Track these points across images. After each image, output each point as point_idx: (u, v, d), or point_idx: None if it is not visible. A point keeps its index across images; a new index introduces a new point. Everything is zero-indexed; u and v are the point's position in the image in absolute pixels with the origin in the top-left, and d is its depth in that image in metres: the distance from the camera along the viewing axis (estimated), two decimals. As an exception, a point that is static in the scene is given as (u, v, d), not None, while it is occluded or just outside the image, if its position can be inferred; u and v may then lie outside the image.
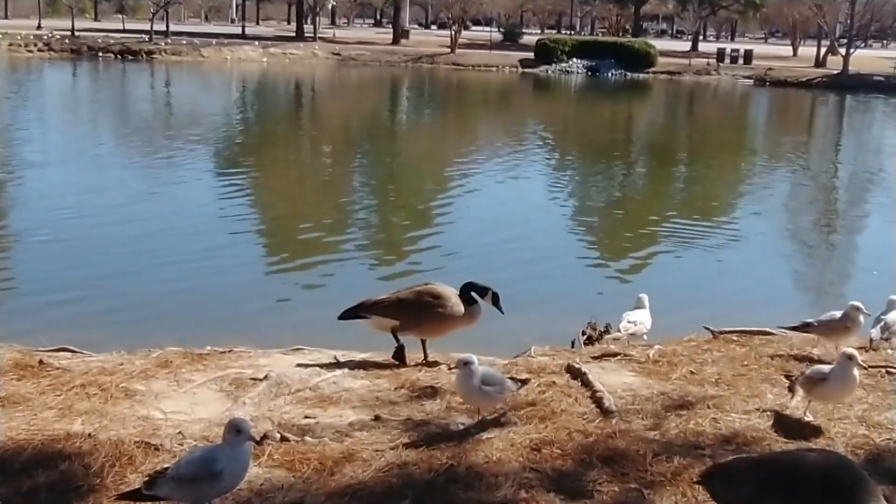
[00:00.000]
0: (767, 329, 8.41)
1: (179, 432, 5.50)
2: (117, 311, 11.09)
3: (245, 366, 7.09)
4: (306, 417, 5.91)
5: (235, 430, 4.26)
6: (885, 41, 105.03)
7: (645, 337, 8.22)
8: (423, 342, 7.40)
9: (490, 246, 15.51)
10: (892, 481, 4.97)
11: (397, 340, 7.35)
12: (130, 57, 60.30)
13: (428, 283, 7.43)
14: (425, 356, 7.35)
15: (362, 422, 5.81)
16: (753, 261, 15.75)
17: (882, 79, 62.65)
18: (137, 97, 42.20)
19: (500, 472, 4.95)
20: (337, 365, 7.19)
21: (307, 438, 5.44)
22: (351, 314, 7.28)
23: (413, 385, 6.57)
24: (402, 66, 65.32)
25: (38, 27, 71.31)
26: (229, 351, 7.53)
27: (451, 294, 7.18)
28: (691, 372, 7.05)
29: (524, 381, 6.17)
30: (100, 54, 60.30)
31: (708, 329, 8.42)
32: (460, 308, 7.11)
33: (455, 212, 18.58)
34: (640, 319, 8.25)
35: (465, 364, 5.63)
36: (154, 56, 61.02)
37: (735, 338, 8.20)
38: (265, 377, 6.61)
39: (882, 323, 7.78)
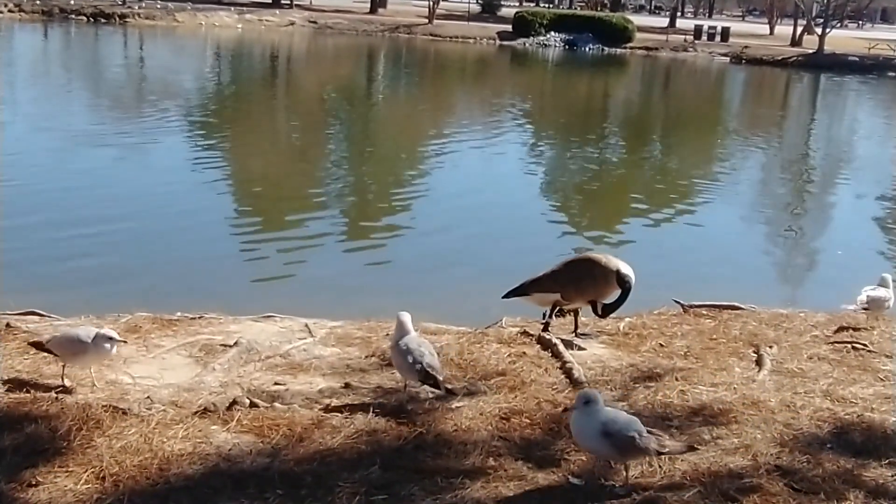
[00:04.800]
0: (736, 303, 8.49)
1: (148, 397, 5.48)
2: (87, 276, 11.00)
3: (215, 332, 7.07)
4: (276, 384, 5.92)
5: None
6: (860, 21, 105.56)
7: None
8: (577, 314, 7.49)
9: (463, 218, 15.50)
10: (855, 454, 5.04)
11: (551, 316, 7.46)
12: (103, 20, 59.24)
13: (578, 255, 7.69)
14: (576, 327, 7.44)
15: (332, 389, 5.82)
16: (724, 236, 15.87)
17: (857, 59, 62.91)
18: (110, 62, 41.63)
19: (469, 441, 4.98)
20: (308, 332, 7.19)
21: (277, 405, 5.44)
22: (512, 293, 7.35)
23: (384, 354, 6.57)
24: (379, 36, 64.85)
25: (9, -12, 70.14)
26: (199, 317, 7.51)
27: (603, 257, 7.33)
28: (660, 344, 7.11)
29: (449, 392, 5.62)
30: (72, 17, 59.30)
31: (678, 302, 8.48)
32: (614, 268, 7.15)
33: (429, 183, 18.56)
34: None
35: (400, 322, 5.55)
36: (127, 20, 60.05)
37: (704, 311, 8.27)
38: (235, 343, 6.60)
39: (865, 296, 7.89)
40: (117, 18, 60.07)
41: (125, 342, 5.78)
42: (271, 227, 14.26)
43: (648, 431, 4.60)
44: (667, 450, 4.65)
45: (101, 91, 30.86)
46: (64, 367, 5.72)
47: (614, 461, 4.65)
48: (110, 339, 5.58)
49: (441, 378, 5.52)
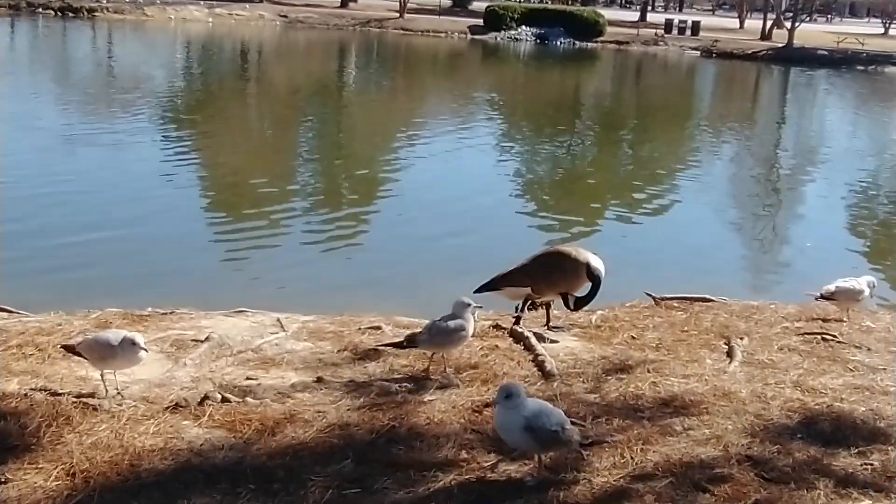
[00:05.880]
0: (708, 296, 8.55)
1: (118, 393, 5.44)
2: (56, 272, 10.89)
3: (187, 327, 7.03)
4: (248, 379, 5.89)
5: None
6: (829, 15, 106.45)
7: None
8: (548, 307, 7.55)
9: (435, 211, 15.49)
10: (824, 443, 5.09)
11: (523, 309, 7.51)
12: (71, 14, 58.75)
13: (548, 248, 7.73)
14: (548, 320, 7.46)
15: (304, 383, 5.80)
16: (695, 229, 15.97)
17: (826, 53, 63.44)
18: (78, 56, 41.31)
19: (442, 434, 4.98)
20: (280, 327, 7.16)
21: (248, 399, 5.42)
22: (484, 288, 7.29)
23: (356, 348, 6.57)
24: (350, 30, 64.65)
25: (-25, -19, 69.30)
26: (171, 312, 7.47)
27: (573, 250, 7.38)
28: (632, 337, 7.14)
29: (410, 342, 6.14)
30: (39, 11, 58.71)
31: (649, 295, 8.52)
32: (584, 261, 7.19)
33: (402, 178, 18.53)
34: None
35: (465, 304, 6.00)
36: (96, 14, 59.56)
37: (676, 304, 8.32)
38: (207, 338, 6.57)
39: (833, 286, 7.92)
40: (85, 12, 59.55)
41: (147, 350, 5.52)
42: (243, 222, 14.19)
43: (572, 423, 4.64)
44: (590, 440, 4.72)
45: (69, 85, 30.55)
46: (102, 374, 5.54)
47: (536, 454, 4.63)
48: (135, 343, 5.36)
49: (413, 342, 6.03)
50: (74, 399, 5.21)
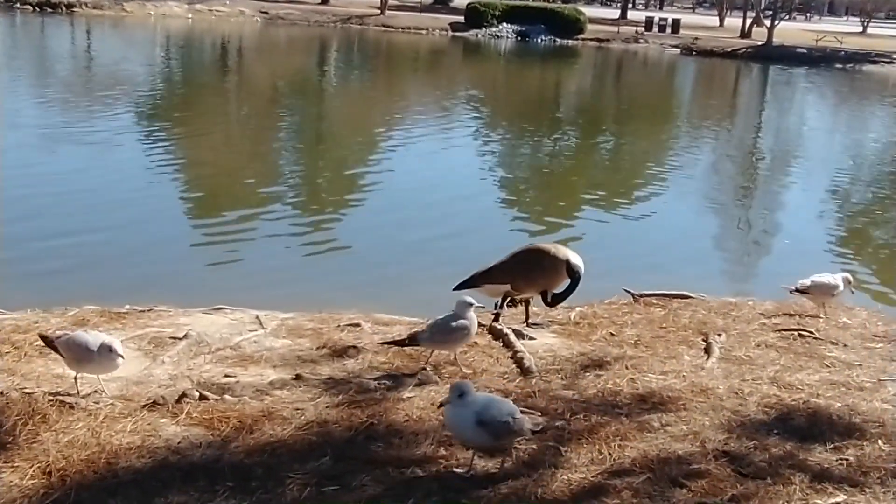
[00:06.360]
0: (686, 293, 8.59)
1: (95, 391, 5.42)
2: (33, 270, 10.79)
3: (165, 325, 7.01)
4: (226, 376, 5.88)
5: None
6: (808, 14, 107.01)
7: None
8: (527, 304, 7.58)
9: (415, 209, 15.47)
10: (800, 439, 5.13)
11: (502, 306, 7.54)
12: (49, 10, 58.25)
13: (528, 245, 7.77)
14: (527, 317, 7.49)
15: (283, 380, 5.79)
16: (673, 226, 16.00)
17: (805, 51, 63.75)
18: (57, 52, 40.99)
19: (420, 431, 4.99)
20: (259, 324, 7.14)
21: (227, 397, 5.41)
22: (463, 285, 7.31)
23: (335, 345, 6.57)
24: (331, 27, 64.48)
25: (-48, -24, 68.63)
26: (149, 310, 7.45)
27: (552, 247, 7.43)
28: (611, 333, 7.18)
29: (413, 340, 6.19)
30: (17, 6, 58.18)
31: (628, 292, 8.56)
32: (563, 258, 7.22)
33: (382, 175, 18.47)
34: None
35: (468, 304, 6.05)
36: (74, 9, 59.05)
37: (654, 301, 8.36)
38: (185, 336, 6.55)
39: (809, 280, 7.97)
40: (64, 8, 59.04)
41: (123, 357, 5.42)
42: (223, 220, 14.12)
43: (522, 412, 4.67)
44: (541, 427, 4.75)
45: (47, 82, 30.30)
46: (76, 377, 5.46)
47: (492, 448, 4.65)
48: (112, 350, 5.28)
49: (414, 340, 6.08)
50: (51, 397, 5.18)
